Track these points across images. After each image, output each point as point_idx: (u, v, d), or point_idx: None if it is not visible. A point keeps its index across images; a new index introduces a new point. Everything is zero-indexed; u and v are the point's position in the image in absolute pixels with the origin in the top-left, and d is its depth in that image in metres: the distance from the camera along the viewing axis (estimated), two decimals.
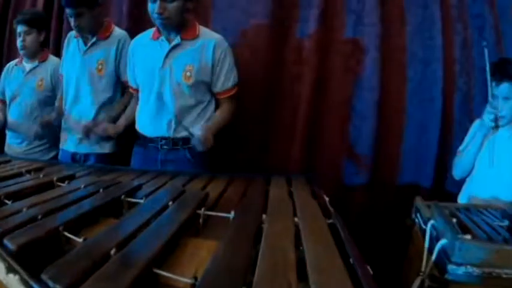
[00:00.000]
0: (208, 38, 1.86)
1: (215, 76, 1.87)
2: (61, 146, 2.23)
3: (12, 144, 2.45)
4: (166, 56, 1.84)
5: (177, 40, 1.83)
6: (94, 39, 2.11)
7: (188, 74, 1.82)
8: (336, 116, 2.16)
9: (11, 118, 2.45)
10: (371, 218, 2.16)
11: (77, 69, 2.13)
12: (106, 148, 2.12)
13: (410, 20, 2.18)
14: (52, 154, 2.37)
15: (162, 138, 1.89)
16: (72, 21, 2.04)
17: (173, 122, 1.86)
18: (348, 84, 2.15)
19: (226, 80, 1.88)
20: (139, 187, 1.29)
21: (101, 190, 1.19)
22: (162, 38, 1.85)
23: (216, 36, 1.88)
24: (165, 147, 1.89)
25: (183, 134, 1.84)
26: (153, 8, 1.75)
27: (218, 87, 1.89)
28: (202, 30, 1.89)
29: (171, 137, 1.88)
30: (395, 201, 2.17)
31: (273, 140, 2.24)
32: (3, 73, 2.54)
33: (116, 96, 2.17)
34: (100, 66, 2.10)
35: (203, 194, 1.17)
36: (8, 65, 2.55)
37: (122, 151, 2.15)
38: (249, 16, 2.20)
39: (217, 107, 1.94)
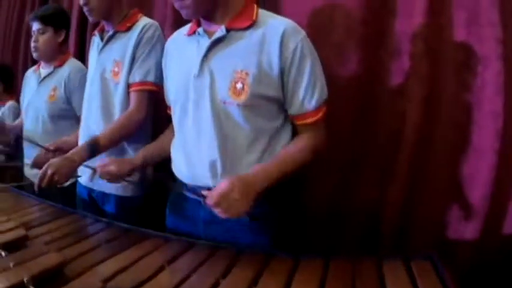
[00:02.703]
0: (273, 25, 1.04)
1: (289, 89, 1.05)
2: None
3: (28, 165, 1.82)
4: (205, 56, 1.06)
5: (220, 31, 1.05)
6: (111, 32, 1.41)
7: (239, 85, 1.02)
8: (448, 148, 1.41)
9: (24, 134, 1.84)
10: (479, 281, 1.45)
11: (91, 75, 1.46)
12: (127, 190, 1.41)
13: None
14: (70, 181, 1.67)
15: (205, 189, 1.05)
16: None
17: (219, 166, 1.06)
18: (463, 106, 1.39)
19: (307, 95, 1.05)
20: None
21: None
22: (200, 30, 1.09)
23: (285, 21, 1.05)
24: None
25: None
26: None
27: (295, 108, 1.07)
28: (264, 14, 1.08)
29: None
30: (500, 259, 1.42)
31: (363, 175, 1.50)
32: (23, 81, 1.97)
33: None
34: (116, 69, 1.38)
35: None
36: (26, 73, 1.97)
37: (152, 193, 1.46)
38: (334, 5, 1.48)
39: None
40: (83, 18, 2.13)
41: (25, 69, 2.94)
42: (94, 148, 1.29)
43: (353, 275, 0.86)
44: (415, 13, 1.41)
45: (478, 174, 1.40)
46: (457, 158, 1.41)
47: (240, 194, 0.90)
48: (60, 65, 1.78)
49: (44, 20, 1.73)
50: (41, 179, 1.20)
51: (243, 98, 1.01)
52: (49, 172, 1.19)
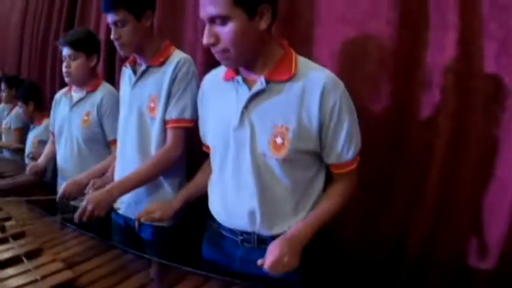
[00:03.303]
0: (312, 78, 1.03)
1: (327, 141, 1.06)
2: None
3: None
4: (245, 108, 1.05)
5: (260, 83, 1.03)
6: (144, 67, 1.41)
7: (279, 140, 1.02)
8: (472, 180, 1.39)
9: (58, 158, 1.87)
10: None
11: (125, 108, 1.46)
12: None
13: None
14: None
15: (243, 232, 1.12)
16: (112, 33, 1.36)
17: (258, 215, 1.08)
18: (490, 139, 1.37)
19: (345, 147, 1.07)
20: None
21: None
22: (239, 78, 1.07)
23: (325, 74, 1.04)
24: (246, 244, 1.12)
25: (275, 231, 1.08)
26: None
27: (332, 159, 1.09)
28: (303, 64, 1.06)
29: (255, 233, 1.11)
30: None
31: (390, 204, 1.50)
32: (53, 103, 1.97)
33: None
34: (152, 104, 1.39)
35: None
36: (56, 95, 1.97)
37: (187, 222, 1.48)
38: (367, 35, 1.46)
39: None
40: (111, 42, 2.15)
41: (53, 85, 2.99)
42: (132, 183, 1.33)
43: None
44: (446, 45, 1.38)
45: (499, 209, 1.37)
46: (482, 192, 1.39)
47: (290, 255, 0.95)
48: (93, 90, 1.79)
49: (75, 45, 1.72)
50: (82, 214, 1.22)
51: (283, 152, 1.03)
52: (89, 208, 1.22)
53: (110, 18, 1.35)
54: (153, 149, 1.40)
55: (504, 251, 1.36)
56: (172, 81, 1.36)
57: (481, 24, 1.37)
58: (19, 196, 1.70)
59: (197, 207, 1.35)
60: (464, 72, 1.39)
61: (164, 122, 1.38)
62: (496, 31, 1.37)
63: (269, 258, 0.95)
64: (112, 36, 1.37)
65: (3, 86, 3.05)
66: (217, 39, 0.99)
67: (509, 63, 1.36)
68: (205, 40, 1.00)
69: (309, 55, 1.53)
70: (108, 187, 1.30)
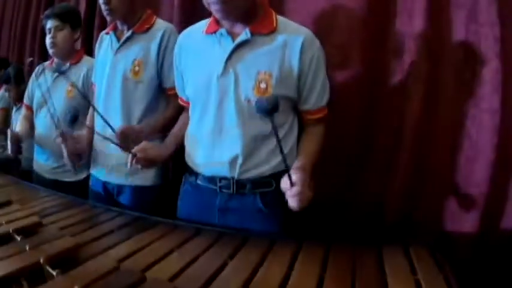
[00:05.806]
0: (292, 33, 1.14)
1: (305, 89, 1.16)
2: (91, 169, 1.60)
3: (39, 161, 1.90)
4: (229, 57, 1.12)
5: (245, 34, 1.11)
6: (129, 33, 1.46)
7: (263, 85, 1.10)
8: (446, 143, 1.43)
9: (37, 130, 1.88)
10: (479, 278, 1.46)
11: (107, 73, 1.48)
12: (147, 179, 1.46)
13: None
14: (83, 175, 1.73)
15: (222, 178, 1.16)
16: None
17: (239, 160, 1.13)
18: (462, 103, 1.41)
19: (320, 94, 1.18)
20: None
21: None
22: (222, 31, 1.14)
23: (304, 30, 1.15)
24: (225, 191, 1.16)
25: (254, 174, 1.14)
26: None
27: (310, 104, 1.19)
28: (282, 21, 1.17)
29: (235, 179, 1.15)
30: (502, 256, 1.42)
31: (367, 169, 1.53)
32: (32, 76, 1.98)
33: (157, 109, 1.49)
34: (137, 68, 1.44)
35: None
36: (37, 67, 1.97)
37: (167, 183, 1.51)
38: (337, 6, 1.49)
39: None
40: (89, 17, 2.21)
41: (31, 70, 2.99)
42: None
43: (353, 258, 0.91)
44: (415, 13, 1.43)
45: (476, 171, 1.41)
46: (456, 154, 1.43)
47: (309, 189, 1.01)
48: (76, 62, 1.84)
49: (62, 17, 1.78)
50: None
51: (266, 96, 1.07)
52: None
53: None
54: (137, 111, 1.45)
55: (484, 211, 1.40)
56: (163, 48, 1.43)
57: None
58: None
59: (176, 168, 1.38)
60: (434, 38, 1.43)
61: (149, 85, 1.44)
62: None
63: (298, 196, 0.97)
64: (100, 1, 1.41)
65: None
66: None
67: (479, 31, 1.40)
68: None
69: None
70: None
